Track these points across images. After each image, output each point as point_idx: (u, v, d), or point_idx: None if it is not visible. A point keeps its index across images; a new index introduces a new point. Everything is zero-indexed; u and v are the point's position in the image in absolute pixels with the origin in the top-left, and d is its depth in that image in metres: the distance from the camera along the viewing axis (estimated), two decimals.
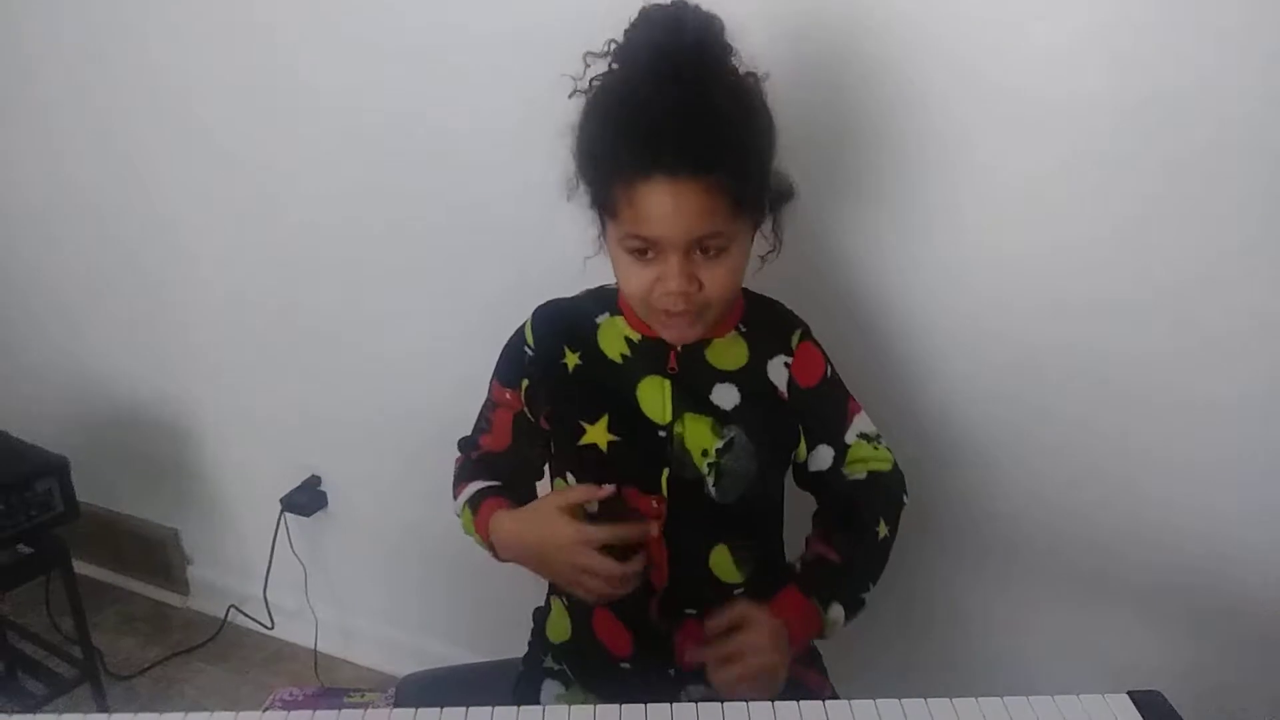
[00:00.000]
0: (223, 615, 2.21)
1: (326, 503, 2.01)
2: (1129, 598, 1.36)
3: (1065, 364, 1.28)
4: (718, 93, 0.96)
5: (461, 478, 1.20)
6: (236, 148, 1.77)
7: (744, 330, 1.13)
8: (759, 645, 0.99)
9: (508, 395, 1.18)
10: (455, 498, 1.18)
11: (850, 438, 1.13)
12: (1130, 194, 1.17)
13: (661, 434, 1.08)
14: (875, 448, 1.15)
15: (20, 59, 1.93)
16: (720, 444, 1.08)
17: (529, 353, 1.15)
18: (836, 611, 1.06)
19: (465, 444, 1.24)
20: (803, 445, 1.13)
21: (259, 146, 1.74)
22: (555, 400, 1.14)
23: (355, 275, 1.75)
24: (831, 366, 1.14)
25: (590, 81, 1.02)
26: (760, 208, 1.04)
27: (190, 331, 2.02)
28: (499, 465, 1.19)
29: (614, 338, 1.13)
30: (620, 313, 1.14)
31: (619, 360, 1.12)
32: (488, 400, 1.21)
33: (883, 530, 1.11)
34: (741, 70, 1.00)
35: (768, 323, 1.14)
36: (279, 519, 1.99)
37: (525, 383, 1.16)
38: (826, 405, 1.14)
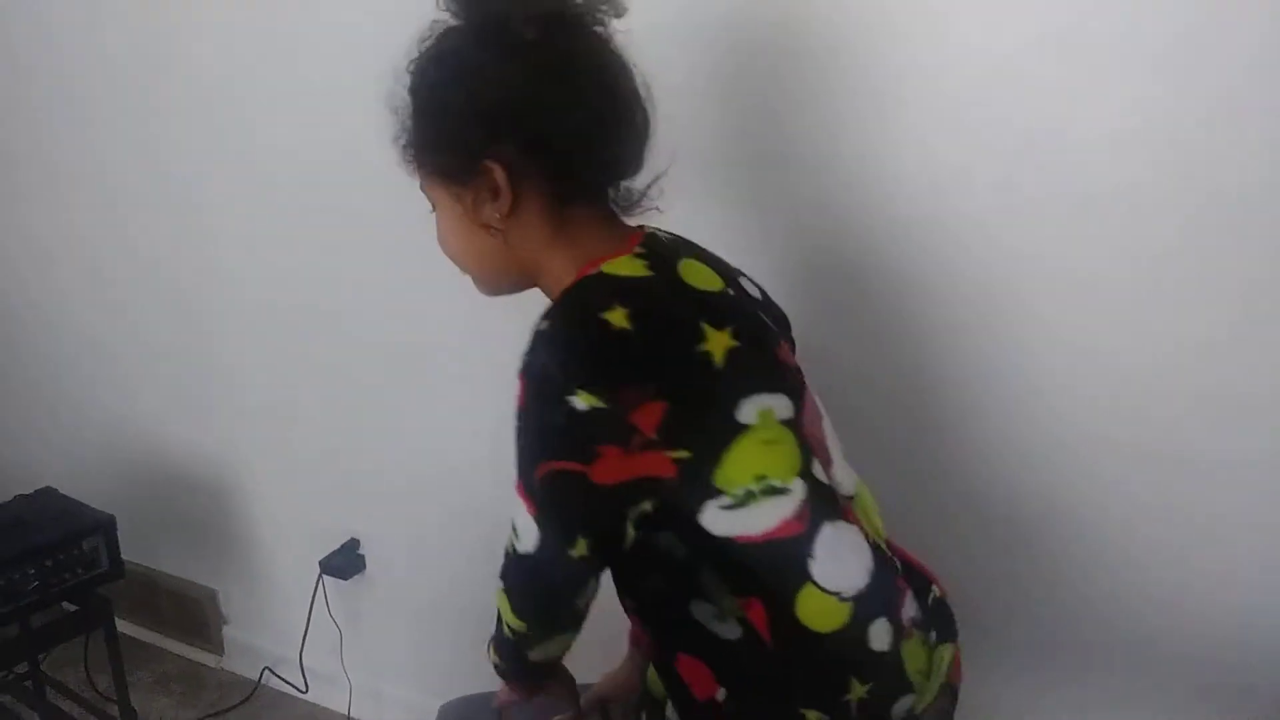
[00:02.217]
0: (257, 677, 2.21)
1: (365, 566, 2.01)
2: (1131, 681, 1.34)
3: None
4: (433, 42, 0.98)
5: None
6: (292, 213, 1.82)
7: None
8: None
9: None
10: None
11: None
12: (1153, 247, 1.17)
13: None
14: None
15: (82, 123, 2.01)
16: None
17: None
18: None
19: None
20: None
21: (314, 213, 1.79)
22: None
23: (400, 340, 1.78)
24: (521, 430, 0.90)
25: None
26: (433, 165, 0.99)
27: (236, 393, 2.06)
28: None
29: None
30: None
31: None
32: None
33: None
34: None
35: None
36: (317, 581, 2.00)
37: None
38: None
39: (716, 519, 0.91)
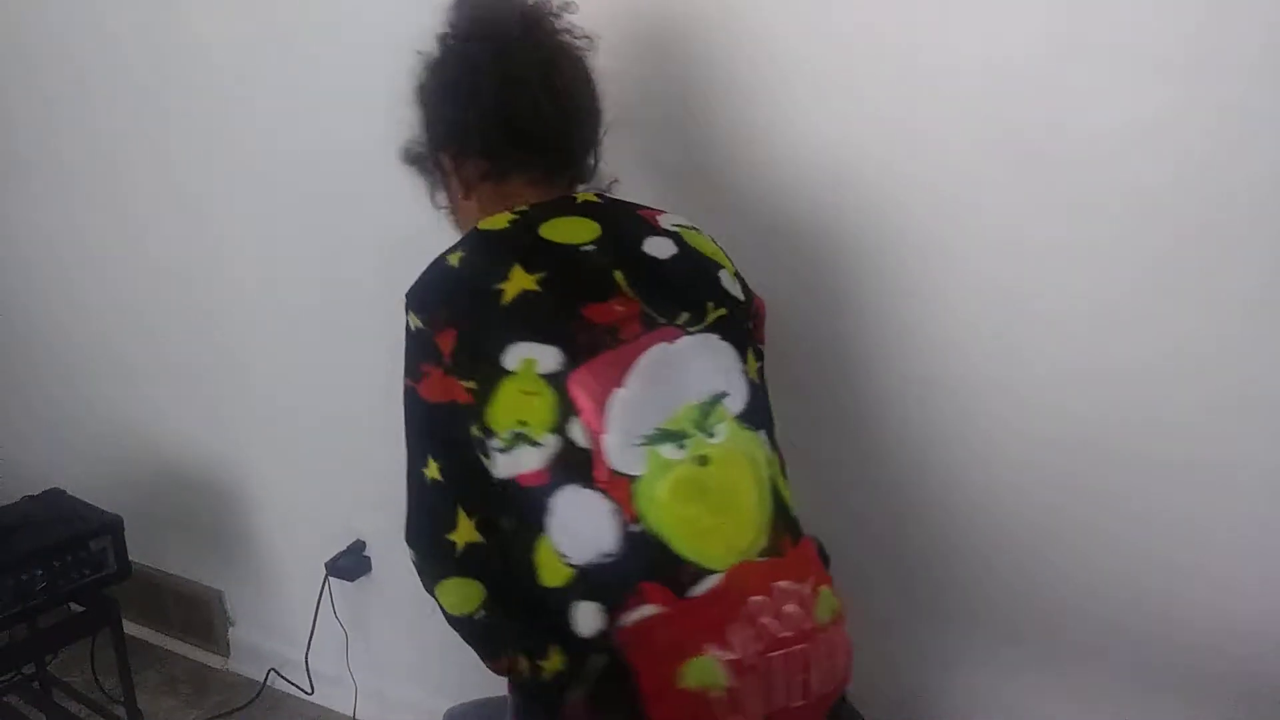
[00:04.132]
0: (263, 678, 2.21)
1: (370, 568, 2.02)
2: (1133, 680, 1.34)
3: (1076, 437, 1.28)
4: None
5: None
6: (302, 215, 1.83)
7: None
8: None
9: None
10: None
11: None
12: (1143, 260, 1.17)
13: None
14: None
15: (94, 125, 2.03)
16: None
17: None
18: None
19: None
20: None
21: (324, 216, 1.80)
22: None
23: (402, 340, 1.78)
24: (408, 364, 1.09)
25: None
26: (429, 141, 1.19)
27: (243, 395, 2.07)
28: None
29: None
30: None
31: None
32: None
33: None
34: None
35: None
36: (323, 583, 2.00)
37: None
38: None
39: (496, 461, 0.99)
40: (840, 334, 1.37)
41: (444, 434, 1.03)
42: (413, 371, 1.04)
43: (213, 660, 2.34)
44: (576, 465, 0.96)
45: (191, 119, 1.88)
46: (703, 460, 0.98)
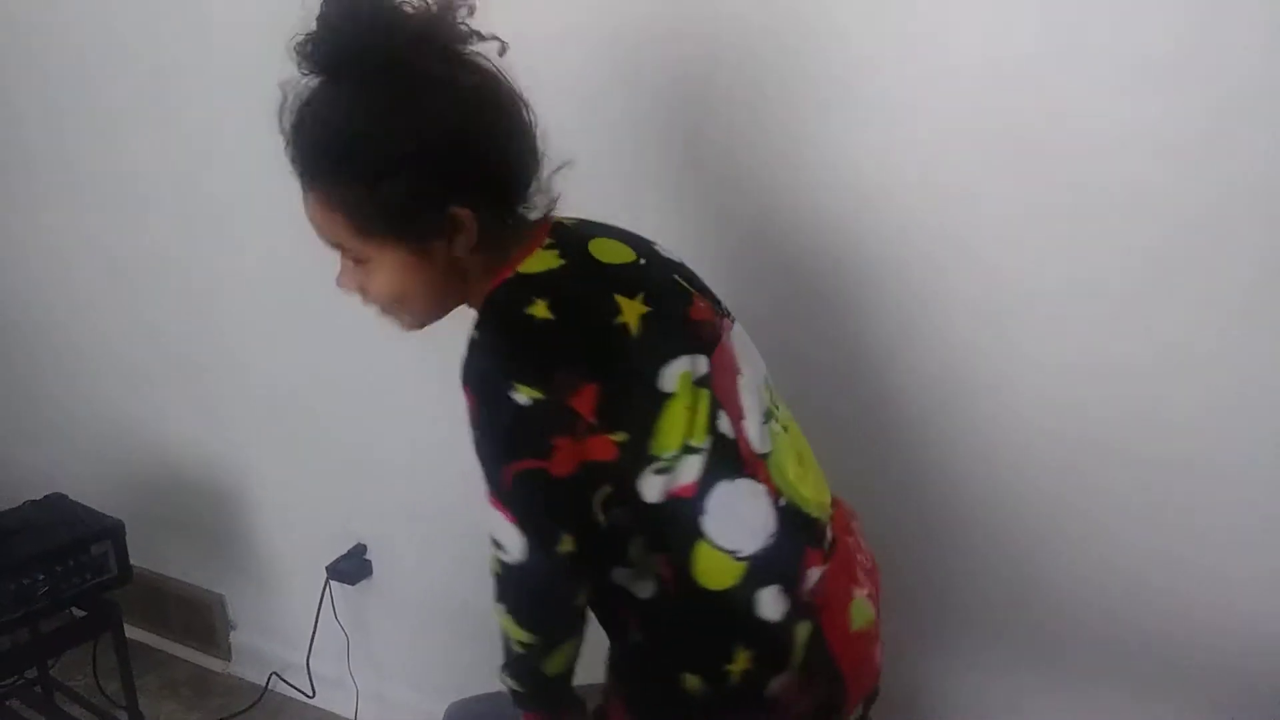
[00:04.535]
0: (264, 682, 2.22)
1: (371, 571, 2.02)
2: (1130, 681, 1.34)
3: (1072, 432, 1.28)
4: (337, 99, 0.94)
5: None
6: (303, 219, 1.83)
7: None
8: None
9: None
10: None
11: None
12: (1150, 251, 1.17)
13: None
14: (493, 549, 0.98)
15: (100, 127, 2.03)
16: None
17: None
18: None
19: None
20: None
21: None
22: None
23: (410, 347, 1.78)
24: (482, 442, 0.95)
25: None
26: (402, 223, 0.95)
27: (244, 400, 2.07)
28: None
29: None
30: None
31: None
32: None
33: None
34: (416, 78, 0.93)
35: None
36: (324, 587, 2.01)
37: None
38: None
39: (652, 485, 0.95)
40: (847, 334, 1.38)
41: (578, 504, 0.95)
42: (538, 450, 0.92)
43: (214, 664, 2.34)
44: (728, 458, 0.98)
45: (198, 116, 1.88)
46: (786, 429, 1.07)
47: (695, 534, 0.96)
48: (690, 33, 1.35)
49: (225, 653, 2.33)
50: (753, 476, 0.99)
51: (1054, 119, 1.18)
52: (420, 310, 1.04)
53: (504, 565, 0.96)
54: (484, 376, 0.93)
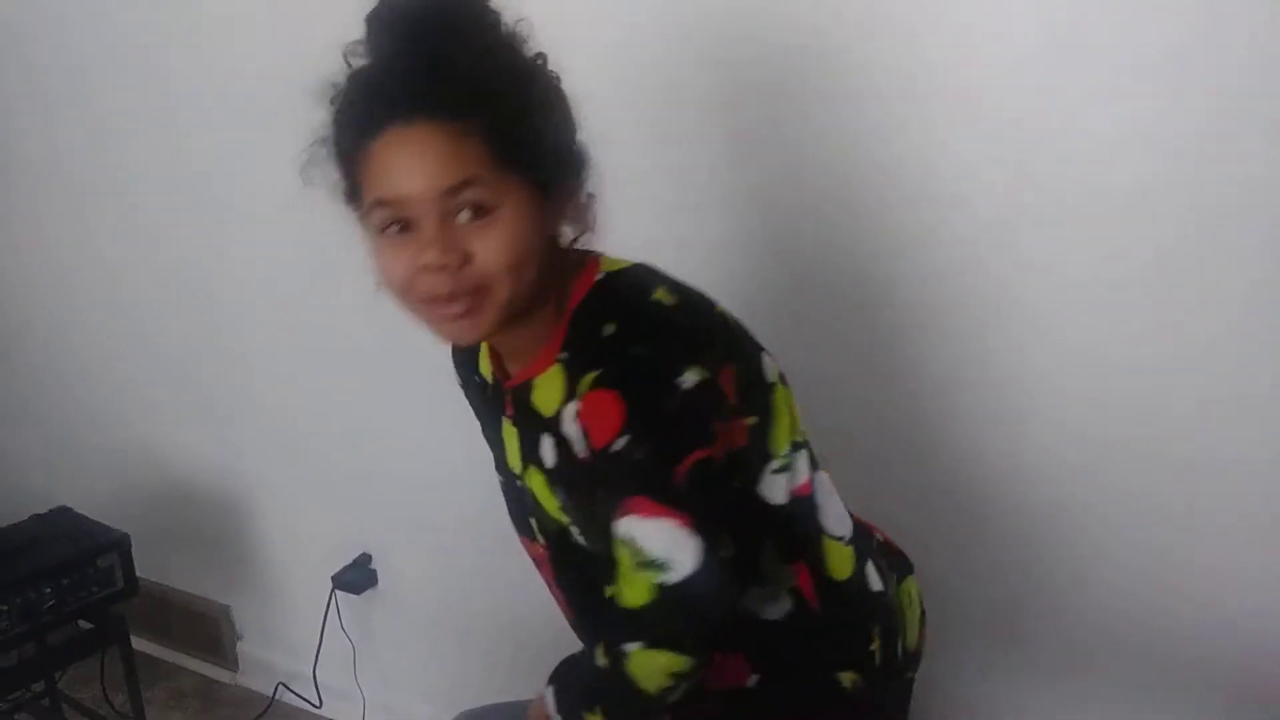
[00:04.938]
0: (271, 693, 2.22)
1: (377, 581, 2.02)
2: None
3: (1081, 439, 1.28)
4: (461, 37, 0.84)
5: None
6: (308, 230, 1.82)
7: (564, 359, 0.90)
8: None
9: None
10: None
11: (616, 531, 0.83)
12: (1151, 247, 1.17)
13: (519, 483, 1.00)
14: (634, 568, 0.82)
15: (102, 137, 2.04)
16: (558, 502, 0.94)
17: (463, 391, 1.12)
18: (549, 695, 0.96)
19: None
20: None
21: (330, 231, 1.80)
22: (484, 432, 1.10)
23: (414, 358, 1.78)
24: (641, 442, 0.81)
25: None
26: (539, 162, 0.86)
27: (248, 411, 2.08)
28: None
29: (485, 363, 1.04)
30: None
31: (489, 392, 1.04)
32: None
33: (600, 658, 0.89)
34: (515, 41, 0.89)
35: (577, 351, 0.88)
36: (330, 597, 2.01)
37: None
38: (603, 479, 0.85)
39: (775, 486, 0.93)
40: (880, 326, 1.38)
41: (729, 501, 0.90)
42: (705, 436, 0.84)
43: (221, 675, 2.34)
44: (810, 450, 0.99)
45: (201, 131, 1.89)
46: None
47: (819, 530, 0.97)
48: (723, 38, 1.34)
49: (232, 663, 2.33)
50: (821, 463, 1.01)
51: (1066, 116, 1.17)
52: (517, 289, 0.87)
53: (663, 589, 0.81)
54: (642, 366, 0.84)
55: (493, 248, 0.84)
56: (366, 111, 0.85)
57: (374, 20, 0.88)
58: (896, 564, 1.08)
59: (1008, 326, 1.28)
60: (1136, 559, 1.29)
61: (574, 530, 0.95)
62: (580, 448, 0.86)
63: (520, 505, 1.03)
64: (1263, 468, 1.19)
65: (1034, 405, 1.29)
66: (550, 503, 0.96)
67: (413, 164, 0.83)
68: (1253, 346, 1.16)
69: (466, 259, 0.84)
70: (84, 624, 1.83)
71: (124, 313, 2.17)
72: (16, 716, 2.01)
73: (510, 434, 1.00)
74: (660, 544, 0.81)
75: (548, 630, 1.14)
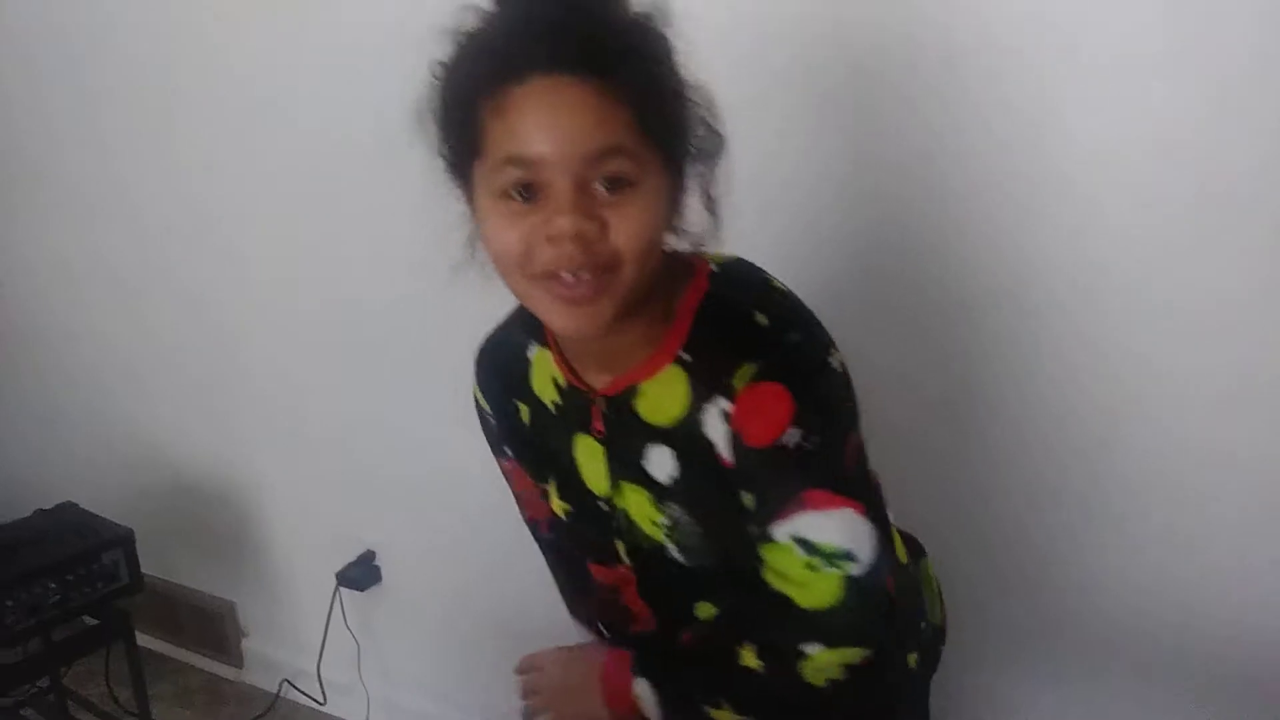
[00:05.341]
0: (276, 689, 2.22)
1: (381, 578, 2.02)
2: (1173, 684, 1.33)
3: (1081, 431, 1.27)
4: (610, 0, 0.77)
5: (560, 589, 1.09)
6: (311, 228, 1.83)
7: (687, 360, 0.83)
8: (540, 687, 0.99)
9: (507, 465, 1.05)
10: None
11: (780, 534, 0.80)
12: (1156, 240, 1.16)
13: (604, 506, 0.92)
14: (812, 568, 0.80)
15: (105, 140, 2.04)
16: (664, 520, 0.88)
17: (491, 421, 1.01)
18: (643, 688, 0.90)
19: (530, 529, 1.10)
20: None
21: (333, 229, 1.80)
22: (523, 462, 1.00)
23: (417, 353, 1.79)
24: (812, 433, 0.79)
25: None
26: (677, 140, 0.80)
27: (252, 407, 2.08)
28: (565, 536, 1.03)
29: (545, 379, 0.93)
30: (547, 343, 0.91)
31: (554, 410, 0.92)
32: (502, 474, 1.08)
33: (749, 660, 0.86)
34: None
35: (715, 347, 0.82)
36: (334, 594, 2.01)
37: (508, 450, 1.03)
38: (768, 479, 0.81)
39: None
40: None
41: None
42: (856, 420, 0.85)
43: (226, 671, 2.34)
44: None
45: (203, 130, 1.89)
46: None
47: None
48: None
49: (237, 660, 2.33)
50: None
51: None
52: (641, 276, 0.78)
53: (850, 582, 0.80)
54: (802, 354, 0.80)
55: (629, 225, 0.75)
56: (505, 55, 0.74)
57: None
58: (913, 546, 1.06)
59: (1020, 318, 1.27)
60: (1150, 556, 1.28)
61: (672, 549, 0.89)
62: (727, 450, 0.81)
63: (602, 530, 0.94)
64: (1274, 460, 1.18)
65: (1044, 398, 1.29)
66: (649, 522, 0.89)
67: (557, 120, 0.73)
68: (1260, 337, 1.14)
69: (602, 227, 0.75)
70: (89, 620, 1.83)
71: (129, 311, 2.18)
72: (22, 712, 2.01)
73: (592, 452, 0.91)
74: (842, 535, 0.79)
75: (552, 626, 1.13)
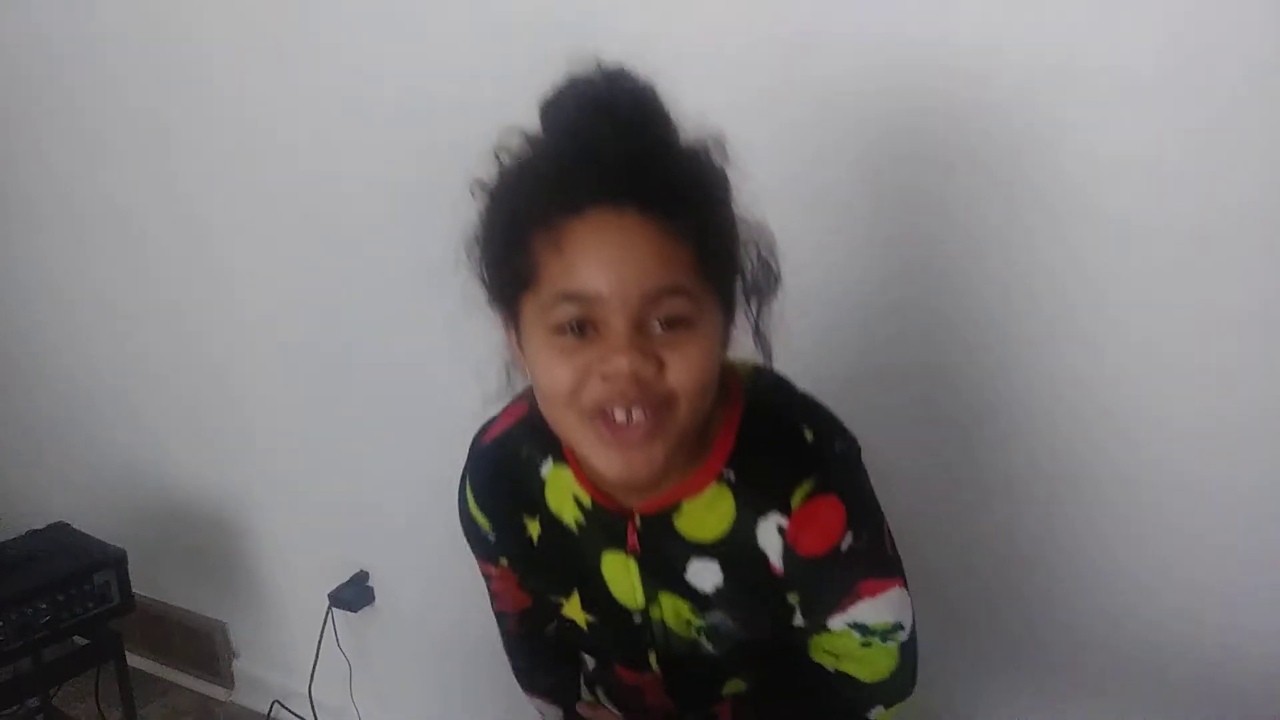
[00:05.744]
0: (267, 710, 2.21)
1: (374, 599, 2.02)
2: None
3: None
4: (674, 131, 0.76)
5: (518, 669, 1.12)
6: (304, 251, 1.84)
7: (731, 480, 0.84)
8: None
9: (494, 570, 1.05)
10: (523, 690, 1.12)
11: (836, 625, 0.86)
12: (1146, 270, 1.17)
13: (637, 619, 0.92)
14: (867, 644, 0.87)
15: (98, 161, 2.05)
16: (703, 624, 0.90)
17: (490, 538, 1.00)
18: None
19: (497, 618, 1.11)
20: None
21: (327, 252, 1.81)
22: (528, 576, 1.01)
23: (409, 375, 1.79)
24: (861, 532, 0.83)
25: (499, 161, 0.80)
26: (730, 281, 0.79)
27: (245, 428, 2.08)
28: (534, 627, 1.07)
29: (564, 496, 0.91)
30: (566, 461, 0.89)
31: (575, 529, 0.91)
32: (482, 573, 1.07)
33: None
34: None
35: (766, 467, 0.83)
36: (326, 615, 2.00)
37: (504, 561, 1.02)
38: (824, 582, 0.85)
39: None
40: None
41: None
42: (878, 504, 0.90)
43: (217, 692, 2.33)
44: None
45: (195, 155, 1.90)
46: None
47: None
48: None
49: (228, 681, 2.32)
50: None
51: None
52: (695, 416, 0.78)
53: (903, 649, 0.90)
54: (845, 463, 0.85)
55: (686, 365, 0.74)
56: (561, 186, 0.72)
57: (557, 105, 0.76)
58: None
59: (1011, 345, 1.28)
60: (1142, 580, 1.28)
61: (706, 645, 0.92)
62: (778, 559, 0.83)
63: (633, 641, 0.94)
64: (1263, 490, 1.18)
65: (1039, 421, 1.29)
66: (686, 624, 0.90)
67: (617, 257, 0.71)
68: (1247, 366, 1.15)
69: (659, 367, 0.73)
70: (79, 640, 1.82)
71: (122, 333, 2.18)
72: None
73: (624, 568, 0.90)
74: (892, 612, 0.86)
75: None
